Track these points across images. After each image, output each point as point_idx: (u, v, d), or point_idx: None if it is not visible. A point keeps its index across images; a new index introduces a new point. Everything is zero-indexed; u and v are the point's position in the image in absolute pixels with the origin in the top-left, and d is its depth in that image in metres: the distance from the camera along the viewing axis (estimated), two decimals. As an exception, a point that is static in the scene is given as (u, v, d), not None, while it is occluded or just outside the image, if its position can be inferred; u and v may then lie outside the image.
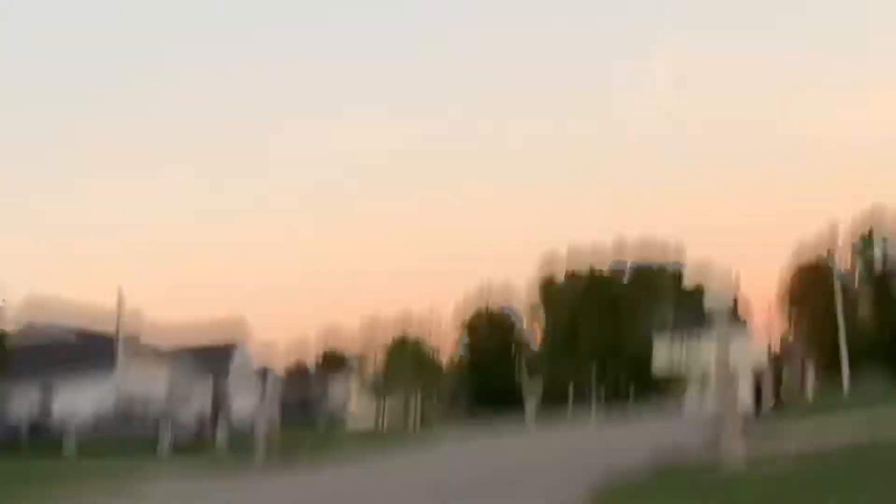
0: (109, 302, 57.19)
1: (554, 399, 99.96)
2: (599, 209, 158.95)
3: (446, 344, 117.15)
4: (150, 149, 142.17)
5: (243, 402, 69.08)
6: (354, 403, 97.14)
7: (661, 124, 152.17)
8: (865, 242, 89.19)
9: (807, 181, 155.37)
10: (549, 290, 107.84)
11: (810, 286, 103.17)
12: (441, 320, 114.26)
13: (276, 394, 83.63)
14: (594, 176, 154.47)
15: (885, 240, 56.13)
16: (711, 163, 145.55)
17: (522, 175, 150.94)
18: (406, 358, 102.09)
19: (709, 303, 12.84)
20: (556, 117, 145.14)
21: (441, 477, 20.35)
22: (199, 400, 67.17)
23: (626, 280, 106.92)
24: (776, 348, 41.20)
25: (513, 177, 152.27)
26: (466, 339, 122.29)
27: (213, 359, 76.27)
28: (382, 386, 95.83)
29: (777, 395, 37.14)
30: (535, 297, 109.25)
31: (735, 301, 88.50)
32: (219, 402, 69.61)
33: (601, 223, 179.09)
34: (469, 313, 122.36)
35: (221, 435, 44.23)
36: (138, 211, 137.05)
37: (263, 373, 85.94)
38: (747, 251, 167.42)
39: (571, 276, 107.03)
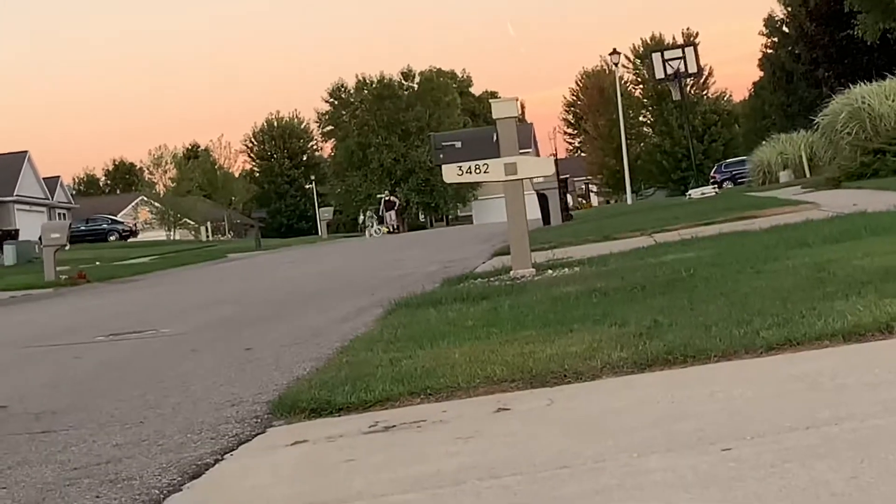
0: None
1: (345, 223, 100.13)
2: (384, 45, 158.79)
3: (236, 164, 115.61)
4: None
5: (31, 220, 66.62)
6: (144, 220, 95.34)
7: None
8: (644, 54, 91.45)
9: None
10: (339, 100, 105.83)
11: (594, 103, 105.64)
12: (230, 146, 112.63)
13: (66, 212, 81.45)
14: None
15: (663, 53, 57.39)
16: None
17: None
18: (196, 171, 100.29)
19: (496, 112, 12.84)
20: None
21: (242, 288, 20.29)
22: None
23: (415, 85, 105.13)
24: (562, 167, 42.49)
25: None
26: (256, 159, 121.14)
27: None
28: (173, 203, 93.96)
29: (565, 209, 38.03)
30: (325, 116, 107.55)
31: (521, 117, 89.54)
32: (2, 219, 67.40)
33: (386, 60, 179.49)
34: (258, 138, 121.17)
35: (8, 254, 43.03)
36: None
37: (51, 185, 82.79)
38: (524, 81, 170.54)
39: (361, 84, 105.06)
